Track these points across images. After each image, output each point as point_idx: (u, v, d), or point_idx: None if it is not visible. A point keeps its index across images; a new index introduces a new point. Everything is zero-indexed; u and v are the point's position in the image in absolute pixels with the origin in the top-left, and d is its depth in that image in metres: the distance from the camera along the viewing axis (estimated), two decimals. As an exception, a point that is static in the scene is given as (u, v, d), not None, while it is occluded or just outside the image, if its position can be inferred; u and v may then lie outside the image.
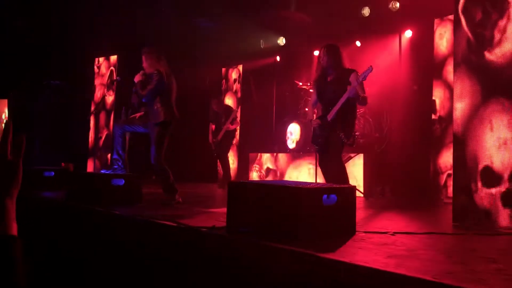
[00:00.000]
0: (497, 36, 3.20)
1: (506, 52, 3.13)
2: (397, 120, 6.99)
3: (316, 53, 8.08)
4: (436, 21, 6.20)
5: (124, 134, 4.95)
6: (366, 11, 7.47)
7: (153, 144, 4.79)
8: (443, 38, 6.00)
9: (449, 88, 5.13)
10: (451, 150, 3.61)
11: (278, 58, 9.06)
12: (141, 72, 4.97)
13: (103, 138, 8.94)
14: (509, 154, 3.00)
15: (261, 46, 9.09)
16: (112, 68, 9.16)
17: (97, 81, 9.39)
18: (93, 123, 9.22)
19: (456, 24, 3.65)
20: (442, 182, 5.65)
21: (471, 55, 3.42)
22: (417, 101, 6.72)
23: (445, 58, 5.93)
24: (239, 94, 9.05)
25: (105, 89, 9.09)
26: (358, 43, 7.61)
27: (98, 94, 9.32)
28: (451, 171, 3.96)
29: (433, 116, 5.99)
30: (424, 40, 6.57)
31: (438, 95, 5.98)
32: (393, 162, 6.63)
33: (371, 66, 4.32)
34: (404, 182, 6.44)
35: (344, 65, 4.58)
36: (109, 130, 8.79)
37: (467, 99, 3.39)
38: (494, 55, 3.21)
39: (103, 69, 9.35)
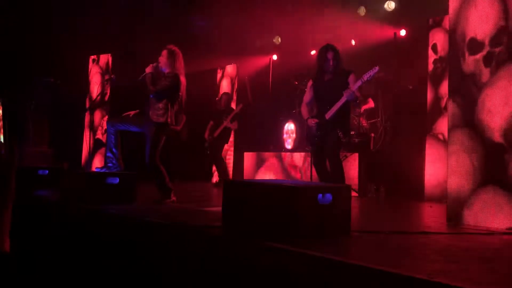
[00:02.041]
0: None
1: None
2: (392, 119, 7.01)
3: (313, 52, 8.08)
4: (431, 21, 6.22)
5: (117, 132, 4.90)
6: (361, 11, 7.50)
7: (148, 143, 4.75)
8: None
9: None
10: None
11: (275, 57, 9.05)
12: (154, 64, 4.89)
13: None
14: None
15: (256, 45, 9.03)
16: (106, 66, 9.13)
17: (91, 79, 9.35)
18: (88, 120, 9.18)
19: None
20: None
21: None
22: (412, 101, 6.74)
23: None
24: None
25: (100, 87, 9.06)
26: (353, 42, 7.64)
27: (92, 92, 9.28)
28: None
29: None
30: (419, 39, 6.59)
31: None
32: (388, 162, 6.64)
33: (377, 66, 4.31)
34: (399, 182, 6.46)
35: (342, 65, 4.58)
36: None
37: None
38: None
39: (97, 67, 9.31)
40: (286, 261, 2.43)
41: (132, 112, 5.00)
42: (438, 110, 6.02)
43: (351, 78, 4.45)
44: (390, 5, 7.20)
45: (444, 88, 5.79)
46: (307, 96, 4.77)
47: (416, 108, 6.53)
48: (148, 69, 4.83)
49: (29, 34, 8.54)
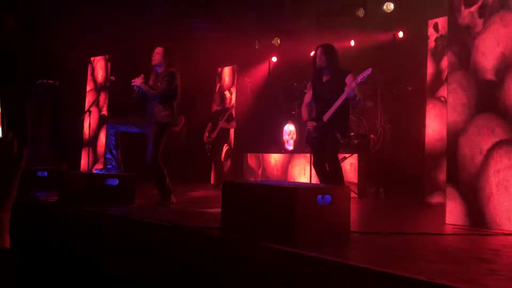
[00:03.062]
0: None
1: None
2: (392, 120, 7.01)
3: (312, 53, 8.09)
4: (430, 22, 6.23)
5: (117, 133, 4.88)
6: (360, 12, 7.51)
7: (150, 144, 4.73)
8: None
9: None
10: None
11: (274, 59, 9.06)
12: (141, 76, 4.74)
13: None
14: None
15: (256, 47, 9.09)
16: (105, 67, 9.12)
17: (90, 81, 9.34)
18: (87, 122, 9.17)
19: None
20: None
21: None
22: (410, 103, 6.75)
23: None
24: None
25: (99, 89, 9.05)
26: (352, 43, 7.66)
27: (91, 93, 9.28)
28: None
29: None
30: (418, 41, 6.61)
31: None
32: (388, 163, 6.64)
33: (370, 68, 4.31)
34: (398, 183, 6.46)
35: (339, 65, 4.58)
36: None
37: None
38: None
39: (97, 68, 9.30)
40: (286, 263, 2.43)
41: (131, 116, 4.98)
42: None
43: (348, 78, 4.45)
44: (389, 7, 7.22)
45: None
46: (307, 97, 4.78)
47: (415, 108, 6.53)
48: (136, 82, 4.69)
49: (29, 35, 8.54)
